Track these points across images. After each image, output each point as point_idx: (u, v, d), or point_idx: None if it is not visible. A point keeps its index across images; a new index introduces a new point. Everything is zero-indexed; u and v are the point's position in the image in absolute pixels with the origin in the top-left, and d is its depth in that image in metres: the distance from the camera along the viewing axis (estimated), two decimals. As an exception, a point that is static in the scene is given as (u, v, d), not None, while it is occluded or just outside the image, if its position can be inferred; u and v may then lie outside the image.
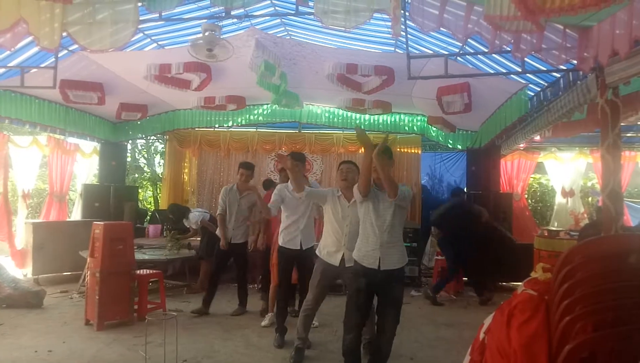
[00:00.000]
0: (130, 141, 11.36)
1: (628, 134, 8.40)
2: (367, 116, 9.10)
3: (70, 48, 5.73)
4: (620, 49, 3.36)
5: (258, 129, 9.95)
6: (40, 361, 3.99)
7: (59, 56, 5.42)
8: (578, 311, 1.97)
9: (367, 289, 3.38)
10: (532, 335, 2.07)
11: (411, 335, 5.03)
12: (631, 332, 1.99)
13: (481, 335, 2.42)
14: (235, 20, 5.41)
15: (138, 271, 5.60)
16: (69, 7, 4.25)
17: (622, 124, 5.69)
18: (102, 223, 5.15)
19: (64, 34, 4.50)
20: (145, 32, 6.04)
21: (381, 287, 3.38)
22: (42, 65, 5.61)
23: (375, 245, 3.35)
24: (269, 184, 6.55)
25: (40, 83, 5.24)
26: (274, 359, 4.19)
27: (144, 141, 13.20)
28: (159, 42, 6.44)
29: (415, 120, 9.34)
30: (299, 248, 4.54)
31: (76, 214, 8.88)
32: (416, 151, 9.75)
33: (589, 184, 11.02)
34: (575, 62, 4.24)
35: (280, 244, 4.62)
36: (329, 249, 4.01)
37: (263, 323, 5.16)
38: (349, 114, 9.06)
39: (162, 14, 4.67)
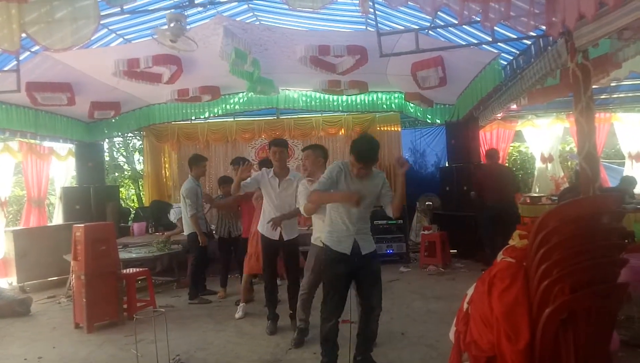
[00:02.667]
0: (106, 140, 11.17)
1: (602, 96, 8.50)
2: (344, 97, 9.06)
3: (33, 49, 5.56)
4: (587, 11, 3.36)
5: (236, 119, 9.84)
6: (31, 369, 3.95)
7: (22, 58, 5.28)
8: (555, 274, 2.01)
9: (347, 275, 3.37)
10: (513, 301, 2.10)
11: (402, 310, 5.09)
12: (607, 290, 2.04)
13: (465, 306, 2.45)
14: (200, 8, 5.30)
15: (125, 270, 5.56)
16: (25, 6, 4.11)
17: (595, 86, 5.79)
18: (82, 225, 5.06)
19: (23, 35, 4.37)
20: (110, 27, 5.88)
21: (359, 269, 3.37)
22: (5, 68, 5.43)
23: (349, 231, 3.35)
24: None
25: (3, 88, 5.08)
26: (268, 346, 4.20)
27: (121, 139, 12.96)
28: (125, 37, 6.28)
29: (392, 98, 9.33)
30: (277, 239, 4.43)
31: (57, 219, 8.73)
32: (396, 129, 9.77)
33: (567, 148, 11.19)
34: (544, 28, 4.25)
35: (261, 232, 4.59)
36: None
37: (237, 315, 5.10)
38: (327, 96, 9.02)
39: (124, 7, 4.55)
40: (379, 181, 3.41)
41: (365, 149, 3.19)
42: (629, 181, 7.20)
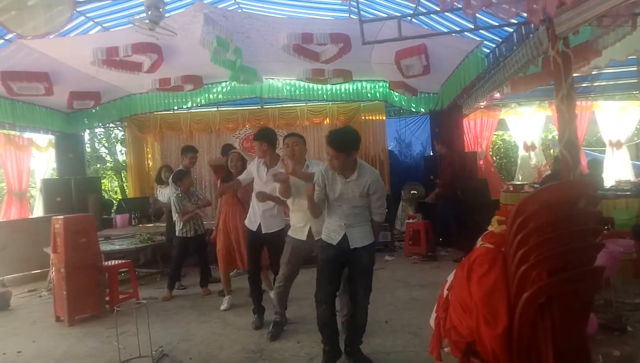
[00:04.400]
0: (87, 131, 10.96)
1: (583, 85, 8.59)
2: (329, 86, 9.01)
3: (7, 37, 5.41)
4: (566, -3, 3.37)
5: (219, 108, 9.73)
6: (10, 363, 3.88)
7: (-5, 46, 5.14)
8: (533, 259, 2.02)
9: (337, 260, 3.38)
10: (491, 287, 2.11)
11: (385, 299, 5.11)
12: (583, 274, 2.06)
13: (445, 292, 2.46)
14: (179, -5, 5.20)
15: (107, 263, 5.49)
16: (-5, -8, 3.98)
17: (576, 74, 5.83)
18: (61, 217, 4.97)
19: (-5, 22, 4.24)
20: (87, 15, 5.75)
21: (349, 260, 3.38)
22: (-22, 57, 5.28)
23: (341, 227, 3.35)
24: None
25: (-23, 77, 4.94)
26: (252, 336, 4.19)
27: (102, 129, 12.74)
28: (103, 25, 6.15)
29: (377, 86, 9.31)
30: (255, 230, 4.39)
31: (38, 211, 8.58)
32: (381, 118, 9.75)
33: (550, 136, 11.31)
34: (525, 15, 4.25)
35: (246, 224, 4.55)
36: (295, 225, 3.99)
37: (222, 307, 5.06)
38: (311, 85, 8.97)
39: (101, -7, 4.44)
40: (365, 181, 3.29)
41: (336, 134, 3.21)
42: (596, 165, 7.25)
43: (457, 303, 2.25)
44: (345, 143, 3.18)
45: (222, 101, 9.33)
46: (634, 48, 5.71)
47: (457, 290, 2.28)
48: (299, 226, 3.97)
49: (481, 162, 9.40)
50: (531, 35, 4.67)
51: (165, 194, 6.50)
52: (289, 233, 4.07)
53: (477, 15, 4.62)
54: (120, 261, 5.68)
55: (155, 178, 7.12)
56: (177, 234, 5.72)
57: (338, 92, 9.21)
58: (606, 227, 4.83)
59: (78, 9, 5.24)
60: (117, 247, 6.11)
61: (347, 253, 3.33)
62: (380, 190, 3.35)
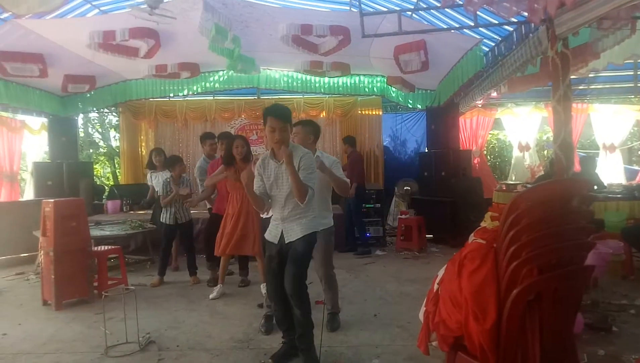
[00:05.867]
0: (81, 115, 10.87)
1: (580, 87, 8.62)
2: (326, 79, 8.98)
3: (2, 16, 5.33)
4: (567, -2, 3.36)
5: (215, 97, 9.67)
6: (-5, 345, 3.85)
7: (-11, 24, 5.06)
8: (524, 256, 2.02)
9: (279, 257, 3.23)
10: (482, 282, 2.11)
11: (375, 293, 5.13)
12: (573, 273, 2.06)
13: (435, 286, 2.46)
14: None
15: (96, 248, 5.45)
16: (-9, -31, 3.90)
17: (573, 77, 5.86)
18: (52, 200, 4.92)
19: (-11, -1, 4.16)
20: (85, -3, 5.66)
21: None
22: (-29, 35, 5.20)
23: (278, 220, 3.24)
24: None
25: (-31, 55, 4.86)
26: (240, 326, 4.18)
27: (96, 114, 12.63)
28: (101, 8, 6.07)
29: (375, 81, 9.29)
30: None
31: (29, 194, 8.51)
32: (377, 113, 9.75)
33: (545, 137, 11.36)
34: (526, 14, 4.25)
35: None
36: None
37: (211, 296, 5.01)
38: (309, 77, 8.94)
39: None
40: (297, 160, 3.09)
41: (275, 105, 3.23)
42: (588, 162, 7.20)
43: (447, 298, 2.26)
44: (286, 112, 3.14)
45: (219, 90, 9.27)
46: (631, 52, 5.73)
47: (448, 284, 2.28)
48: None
49: (476, 161, 9.43)
50: (531, 34, 4.67)
51: (159, 178, 6.39)
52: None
53: (478, 12, 4.61)
54: (110, 247, 5.64)
55: (147, 163, 7.03)
56: (160, 220, 5.75)
57: (335, 85, 9.18)
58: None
59: (75, -10, 5.18)
60: (108, 233, 6.05)
61: (284, 248, 3.21)
62: (307, 166, 3.12)
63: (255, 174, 3.25)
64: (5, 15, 5.23)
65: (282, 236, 3.22)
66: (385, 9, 5.81)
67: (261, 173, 3.24)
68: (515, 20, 4.60)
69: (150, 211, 6.88)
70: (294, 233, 3.18)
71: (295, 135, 3.81)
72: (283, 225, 3.21)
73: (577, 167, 8.38)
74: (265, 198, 3.25)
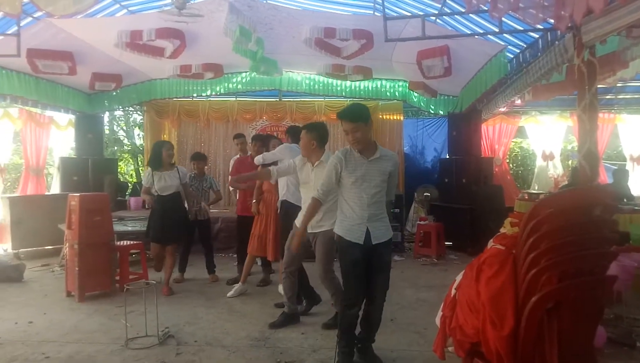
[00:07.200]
0: (107, 113, 11.11)
1: (607, 96, 8.46)
2: (348, 83, 9.00)
3: (35, 15, 5.50)
4: (595, 5, 3.31)
5: (238, 98, 9.77)
6: (21, 332, 3.97)
7: (24, 23, 5.24)
8: (544, 263, 2.00)
9: (362, 258, 3.19)
10: (500, 288, 2.10)
11: (392, 297, 5.07)
12: (594, 282, 2.04)
13: (452, 291, 2.46)
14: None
15: (119, 243, 5.57)
16: (27, -29, 4.05)
17: (600, 86, 5.75)
18: (78, 194, 5.06)
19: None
20: (114, -3, 5.82)
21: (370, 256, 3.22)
22: (6, 33, 5.38)
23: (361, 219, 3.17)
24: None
25: (4, 52, 5.03)
26: (257, 324, 4.22)
27: (121, 112, 12.89)
28: (129, 8, 6.23)
29: (396, 86, 9.27)
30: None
31: (55, 189, 8.75)
32: (398, 118, 9.70)
33: (569, 147, 11.15)
34: (552, 21, 4.20)
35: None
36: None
37: (229, 294, 5.06)
38: (330, 80, 8.98)
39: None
40: (386, 164, 3.16)
41: (346, 107, 3.20)
42: (621, 174, 7.09)
43: (464, 303, 2.25)
44: (357, 112, 3.11)
45: (241, 91, 9.37)
46: (662, 62, 5.59)
47: (465, 289, 2.28)
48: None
49: (497, 169, 9.31)
50: (557, 42, 4.61)
51: (166, 179, 6.36)
52: (296, 222, 3.98)
53: (503, 19, 4.58)
54: (132, 242, 5.76)
55: (152, 159, 6.96)
56: None
57: (357, 89, 9.19)
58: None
59: (106, -9, 5.32)
60: (130, 228, 6.19)
61: (369, 250, 3.15)
62: (396, 175, 3.31)
63: (329, 169, 3.21)
64: (38, 14, 5.40)
65: (367, 237, 3.13)
66: (409, 14, 5.81)
67: (339, 168, 3.15)
68: (541, 27, 4.54)
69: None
70: (381, 233, 3.17)
71: (300, 140, 3.91)
72: (368, 224, 3.13)
73: (602, 178, 8.25)
74: (327, 198, 3.32)
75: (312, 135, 3.85)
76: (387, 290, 3.30)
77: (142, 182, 5.29)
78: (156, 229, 5.13)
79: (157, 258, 5.27)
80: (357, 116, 3.08)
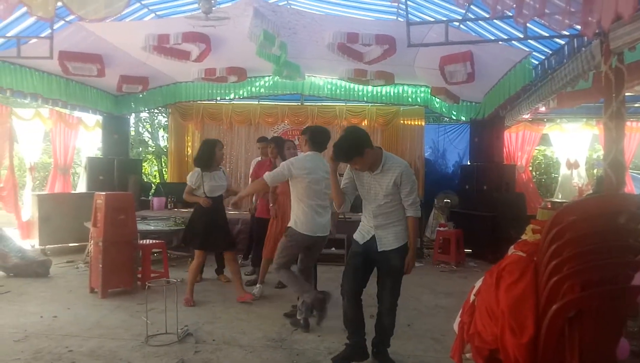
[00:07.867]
0: (133, 115, 11.36)
1: (636, 105, 8.26)
2: (369, 88, 9.01)
3: (67, 19, 5.68)
4: (624, 11, 3.25)
5: (260, 102, 9.88)
6: (45, 326, 4.09)
7: (56, 27, 5.41)
8: (566, 271, 1.98)
9: (361, 256, 3.34)
10: (520, 295, 2.08)
11: (410, 303, 5.08)
12: (618, 292, 2.00)
13: (471, 297, 2.44)
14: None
15: (141, 241, 5.68)
16: (61, -24, 4.19)
17: (629, 93, 5.62)
18: (104, 193, 5.19)
19: (59, 4, 4.47)
20: (142, 2, 5.97)
21: (377, 262, 3.34)
22: (40, 35, 5.57)
23: (370, 225, 3.33)
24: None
25: (37, 54, 5.21)
26: (274, 325, 4.26)
27: (147, 114, 13.19)
28: (157, 13, 6.37)
29: (418, 91, 9.23)
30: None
31: (81, 188, 8.97)
32: (420, 123, 9.67)
33: (595, 156, 10.91)
34: (579, 27, 4.14)
35: None
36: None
37: (254, 292, 5.09)
38: (352, 85, 9.00)
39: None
40: (389, 177, 3.20)
41: (337, 147, 3.12)
42: None
43: (484, 309, 2.23)
44: (348, 149, 3.09)
45: (264, 95, 9.47)
46: (693, 69, 5.44)
47: (485, 296, 2.26)
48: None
49: (521, 175, 9.18)
50: (583, 48, 4.54)
51: (215, 179, 6.40)
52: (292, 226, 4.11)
53: (528, 25, 4.53)
54: (154, 241, 5.87)
55: (201, 158, 7.07)
56: None
57: (379, 94, 9.19)
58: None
59: (135, -4, 5.46)
60: (152, 228, 6.31)
61: (375, 255, 3.29)
62: (408, 182, 3.20)
63: (346, 171, 3.40)
64: (70, 17, 5.57)
65: (372, 241, 3.28)
66: (432, 19, 5.80)
67: (352, 176, 3.35)
68: (567, 33, 4.48)
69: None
70: (388, 242, 3.26)
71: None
72: (376, 232, 3.28)
73: (629, 187, 8.04)
74: (347, 197, 3.38)
75: (305, 137, 4.11)
76: (397, 296, 3.35)
77: (188, 183, 4.84)
78: (203, 235, 4.76)
79: (198, 267, 5.00)
80: (350, 153, 3.12)
